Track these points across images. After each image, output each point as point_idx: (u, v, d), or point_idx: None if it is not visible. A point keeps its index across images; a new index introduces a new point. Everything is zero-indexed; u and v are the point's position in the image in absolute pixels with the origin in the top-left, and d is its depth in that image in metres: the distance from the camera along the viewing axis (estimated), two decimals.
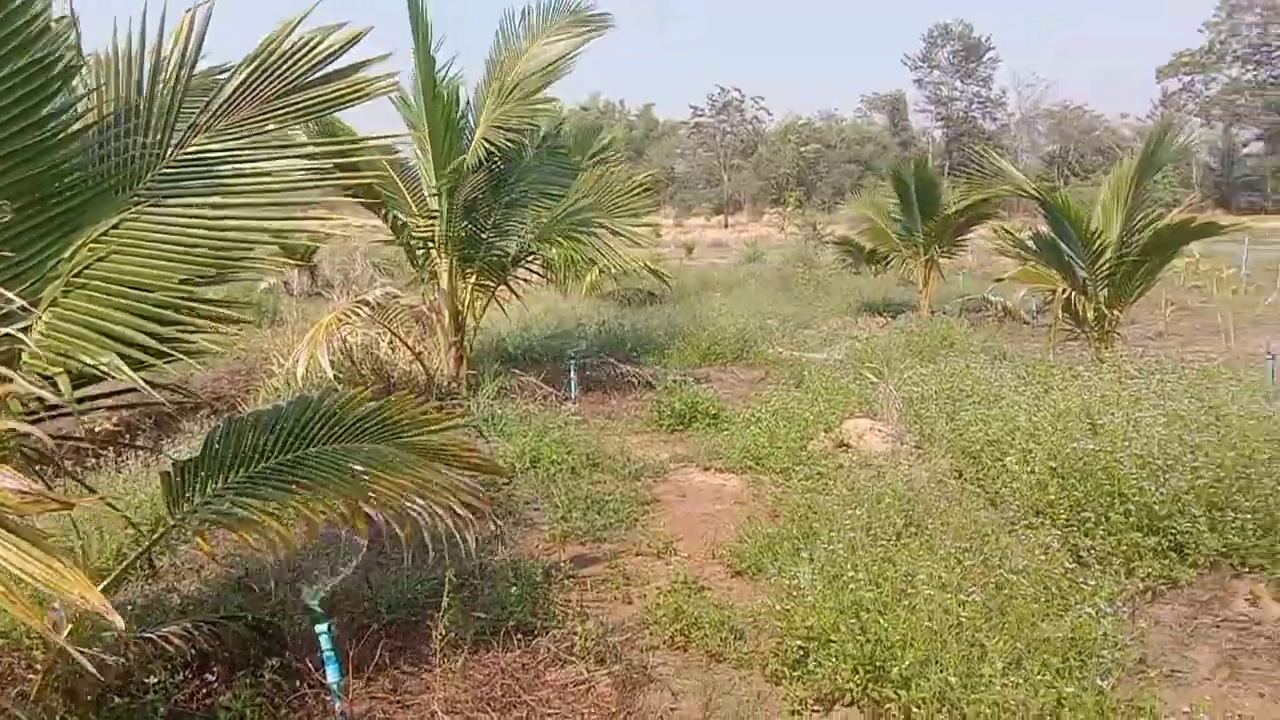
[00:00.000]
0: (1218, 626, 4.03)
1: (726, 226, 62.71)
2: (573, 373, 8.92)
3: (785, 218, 42.53)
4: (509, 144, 8.97)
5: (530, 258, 9.81)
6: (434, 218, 9.19)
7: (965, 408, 6.50)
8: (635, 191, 10.72)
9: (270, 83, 3.37)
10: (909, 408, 6.86)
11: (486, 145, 8.83)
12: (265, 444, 3.50)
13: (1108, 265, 7.62)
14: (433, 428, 3.74)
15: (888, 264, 17.16)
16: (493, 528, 4.94)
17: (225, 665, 3.65)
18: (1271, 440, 4.96)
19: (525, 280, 10.42)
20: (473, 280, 9.52)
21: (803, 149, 71.44)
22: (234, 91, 3.33)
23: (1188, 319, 13.62)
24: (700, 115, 79.03)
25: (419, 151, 9.48)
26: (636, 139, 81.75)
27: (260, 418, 3.63)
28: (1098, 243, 7.66)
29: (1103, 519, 4.54)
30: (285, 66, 3.37)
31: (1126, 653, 3.55)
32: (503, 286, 9.75)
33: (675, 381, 8.95)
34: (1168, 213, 9.68)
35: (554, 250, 9.59)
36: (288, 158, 3.53)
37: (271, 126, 3.40)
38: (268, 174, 3.38)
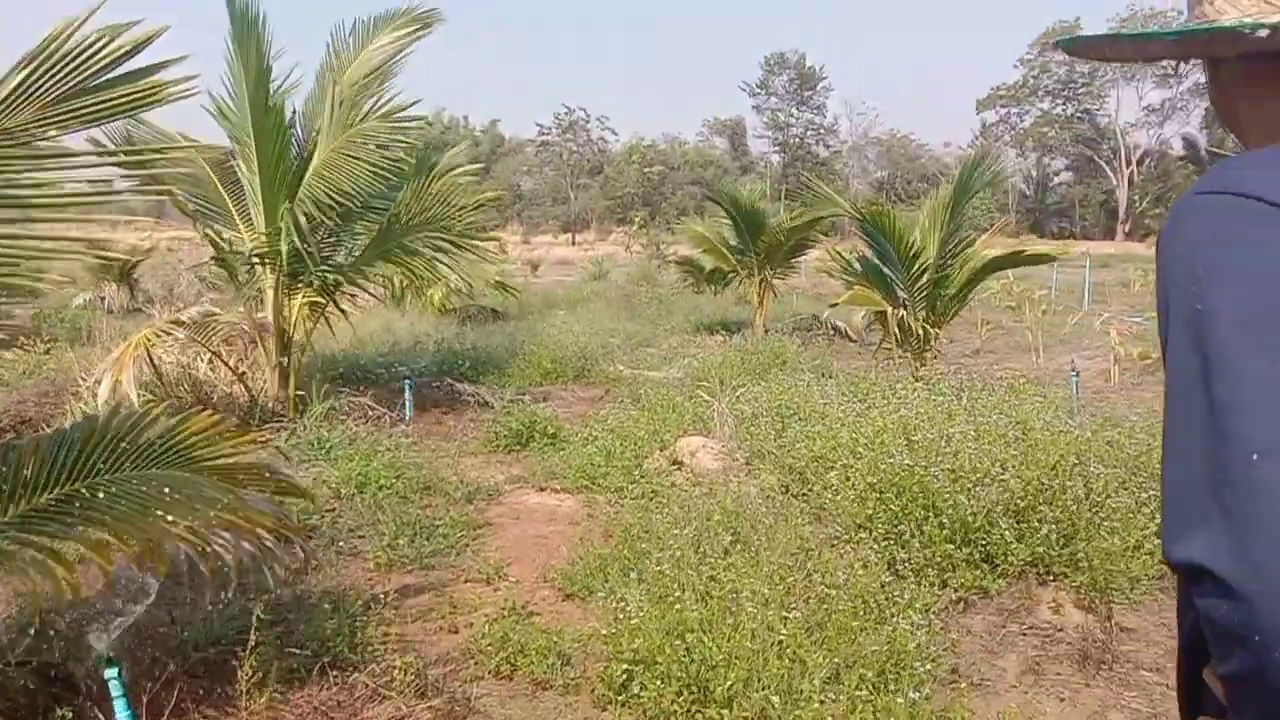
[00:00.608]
0: (1024, 634, 4.24)
1: (574, 244, 62.92)
2: (407, 393, 8.67)
3: (631, 237, 42.97)
4: (352, 158, 8.68)
5: (366, 274, 9.51)
6: (260, 232, 8.79)
7: (793, 424, 6.66)
8: (476, 207, 10.61)
9: (52, 85, 3.11)
10: (741, 425, 6.98)
11: (324, 177, 8.57)
12: (47, 473, 3.22)
13: (925, 286, 7.99)
14: (233, 450, 3.52)
15: (726, 283, 17.56)
16: (303, 556, 4.70)
17: (6, 718, 3.32)
18: (1073, 453, 5.27)
19: (353, 297, 10.08)
20: (301, 297, 9.15)
21: (647, 170, 72.54)
22: (9, 95, 3.06)
23: (1002, 337, 14.46)
24: (546, 134, 79.11)
25: (243, 164, 9.06)
26: (483, 155, 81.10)
27: (42, 443, 3.34)
28: (916, 265, 8.03)
29: (918, 532, 4.71)
30: (69, 68, 3.12)
31: (939, 663, 3.68)
32: (335, 303, 9.41)
33: (514, 401, 8.83)
34: (979, 235, 10.29)
35: (390, 267, 9.34)
36: (75, 167, 3.27)
37: (54, 132, 3.14)
38: (50, 184, 3.12)
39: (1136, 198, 63.27)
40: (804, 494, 5.61)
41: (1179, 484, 0.88)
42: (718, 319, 16.46)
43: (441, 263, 9.14)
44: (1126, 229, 61.90)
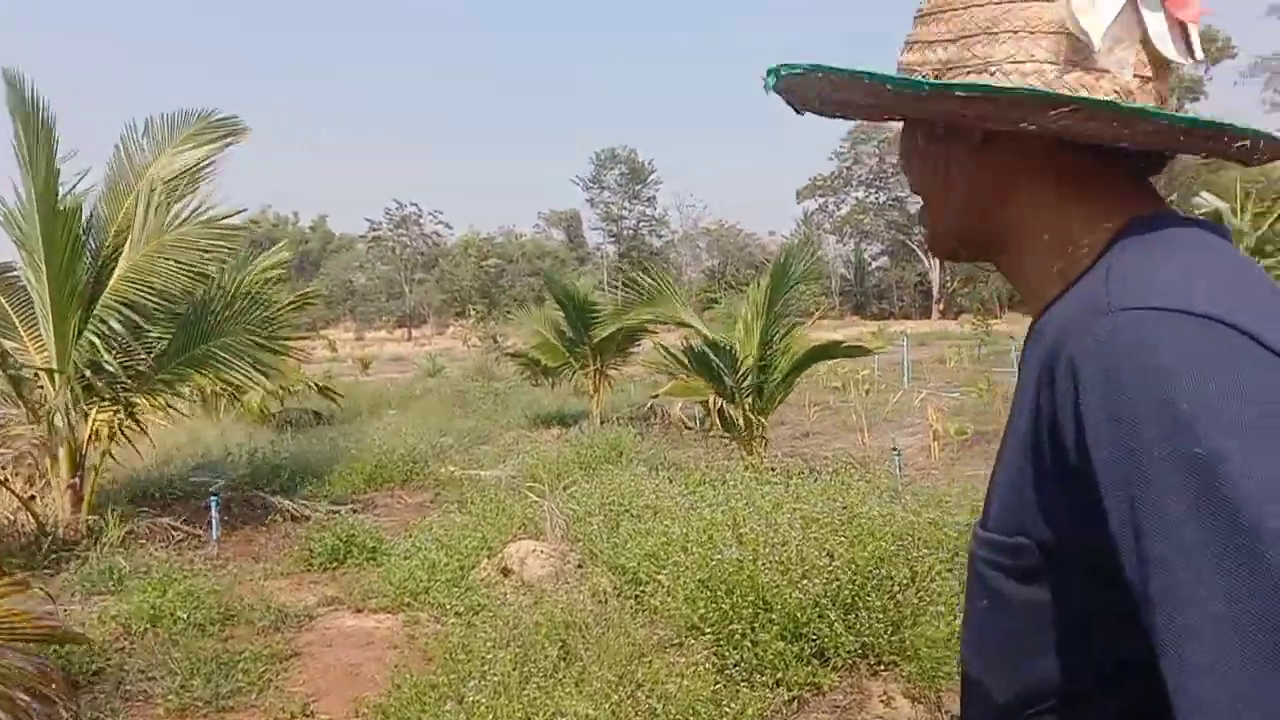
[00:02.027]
0: None
1: (409, 339, 61.83)
2: (214, 511, 8.03)
3: (469, 330, 42.59)
4: (165, 261, 8.16)
5: (172, 383, 8.87)
6: (50, 344, 8.11)
7: (625, 521, 6.49)
8: (296, 305, 10.16)
9: None
10: (573, 525, 6.76)
11: (132, 281, 8.04)
12: None
13: (750, 374, 8.07)
14: None
15: (561, 375, 17.45)
16: (73, 711, 4.14)
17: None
18: (898, 537, 5.29)
19: (166, 409, 9.37)
20: (96, 412, 8.43)
21: (484, 263, 72.52)
22: None
23: (830, 417, 14.85)
24: (377, 229, 78.20)
25: (30, 272, 8.38)
26: (313, 252, 79.27)
27: None
28: (739, 355, 8.12)
29: (750, 630, 4.57)
30: None
31: None
32: (134, 418, 8.71)
33: (332, 512, 8.32)
34: (806, 321, 10.58)
35: (199, 376, 8.76)
36: None
37: None
38: None
39: (948, 279, 67.51)
40: (637, 595, 5.41)
41: (1230, 696, 0.62)
42: (555, 412, 16.28)
43: (252, 367, 8.62)
44: (940, 308, 65.78)
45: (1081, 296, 0.81)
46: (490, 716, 3.63)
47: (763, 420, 8.21)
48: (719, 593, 4.83)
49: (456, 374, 25.26)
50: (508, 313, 60.53)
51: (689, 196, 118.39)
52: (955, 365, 22.68)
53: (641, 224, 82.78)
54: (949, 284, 67.22)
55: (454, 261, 74.41)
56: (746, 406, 7.92)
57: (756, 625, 4.58)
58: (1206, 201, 26.91)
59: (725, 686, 4.15)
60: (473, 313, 51.47)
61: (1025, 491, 0.82)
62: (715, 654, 4.43)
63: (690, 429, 14.06)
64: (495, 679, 3.98)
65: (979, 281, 61.93)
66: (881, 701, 4.34)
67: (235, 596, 6.13)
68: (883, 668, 4.62)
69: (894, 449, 8.84)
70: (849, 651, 4.54)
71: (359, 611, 6.18)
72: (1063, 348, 0.77)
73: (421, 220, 78.33)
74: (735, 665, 4.34)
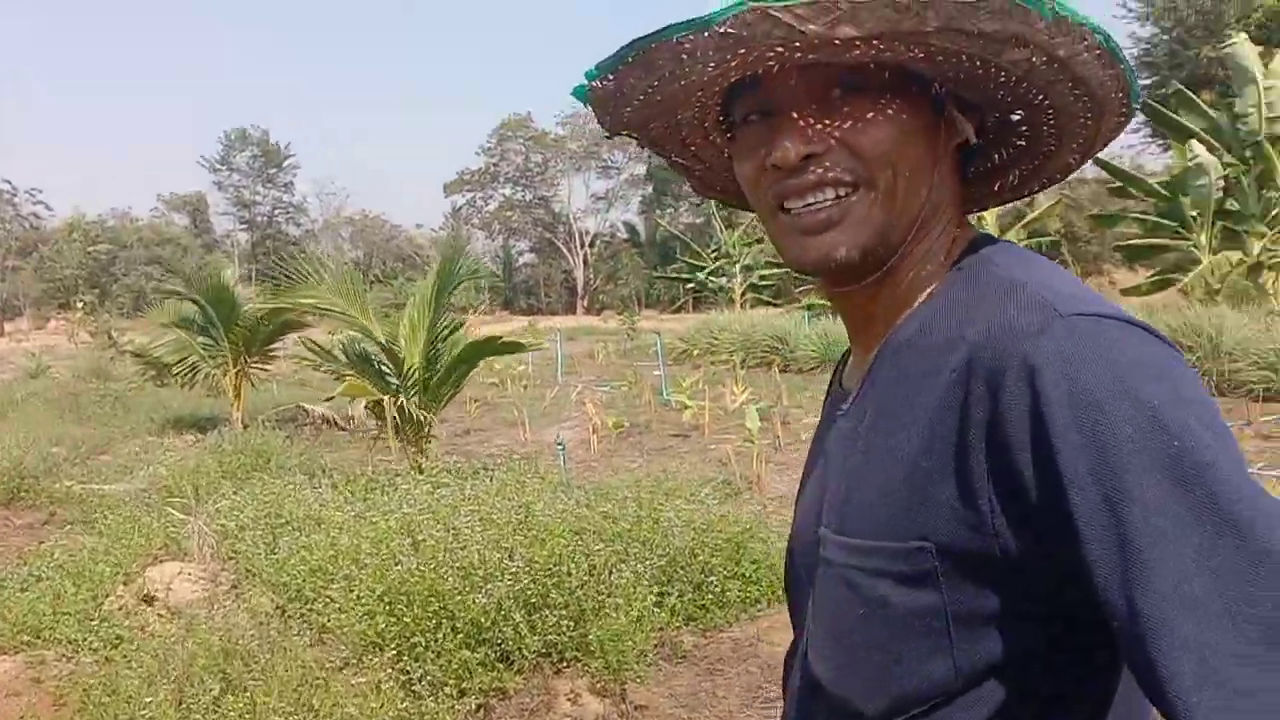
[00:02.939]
0: None
1: (3, 335, 53.70)
2: None
3: (76, 325, 37.75)
4: None
5: None
6: None
7: (285, 534, 6.03)
8: None
9: None
10: (224, 542, 6.18)
11: None
12: None
13: (416, 373, 7.84)
14: None
15: (194, 376, 15.94)
16: None
17: None
18: (575, 533, 5.36)
19: None
20: None
21: (92, 249, 64.67)
22: None
23: (490, 414, 14.84)
24: None
25: None
26: None
27: None
28: (406, 353, 7.87)
29: (433, 641, 4.42)
30: None
31: None
32: None
33: None
34: (464, 317, 10.47)
35: None
36: None
37: None
38: None
39: (592, 276, 70.20)
40: (305, 613, 5.05)
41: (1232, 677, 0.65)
42: (188, 415, 14.86)
43: None
44: (585, 304, 68.26)
45: (993, 305, 0.81)
46: None
47: (430, 418, 8.01)
48: (399, 605, 4.63)
49: (66, 375, 22.28)
50: (123, 305, 54.54)
51: (330, 184, 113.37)
52: (604, 360, 23.59)
53: (278, 210, 78.00)
54: (592, 280, 69.92)
55: (56, 247, 65.61)
56: (414, 405, 7.68)
57: (440, 635, 4.43)
58: None
59: (411, 703, 3.97)
60: (80, 305, 45.69)
61: (935, 495, 0.81)
62: (399, 670, 4.24)
63: (345, 430, 13.45)
64: None
65: (618, 280, 65.17)
66: (568, 699, 4.37)
67: None
68: (566, 665, 4.65)
69: (559, 443, 8.99)
70: (533, 652, 4.53)
71: None
72: (1007, 353, 0.77)
73: (16, 199, 68.37)
74: (420, 679, 4.18)
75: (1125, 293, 20.19)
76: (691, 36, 0.77)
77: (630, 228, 70.07)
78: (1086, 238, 32.89)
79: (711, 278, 38.70)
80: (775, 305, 32.67)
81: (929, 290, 0.90)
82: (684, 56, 0.79)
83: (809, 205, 0.87)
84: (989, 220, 18.75)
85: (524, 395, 14.65)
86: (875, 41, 0.76)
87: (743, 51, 0.77)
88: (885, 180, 0.86)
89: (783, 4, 0.72)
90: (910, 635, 0.83)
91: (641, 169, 67.17)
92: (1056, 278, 0.83)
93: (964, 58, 0.79)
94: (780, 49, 0.77)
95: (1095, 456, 0.71)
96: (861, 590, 0.86)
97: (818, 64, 0.81)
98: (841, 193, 0.86)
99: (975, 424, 0.78)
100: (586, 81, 0.86)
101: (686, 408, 11.57)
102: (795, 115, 0.85)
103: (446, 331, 8.30)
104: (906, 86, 0.84)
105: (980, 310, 0.82)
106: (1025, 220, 26.29)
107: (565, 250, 72.88)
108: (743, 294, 36.63)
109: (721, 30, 0.75)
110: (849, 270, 0.89)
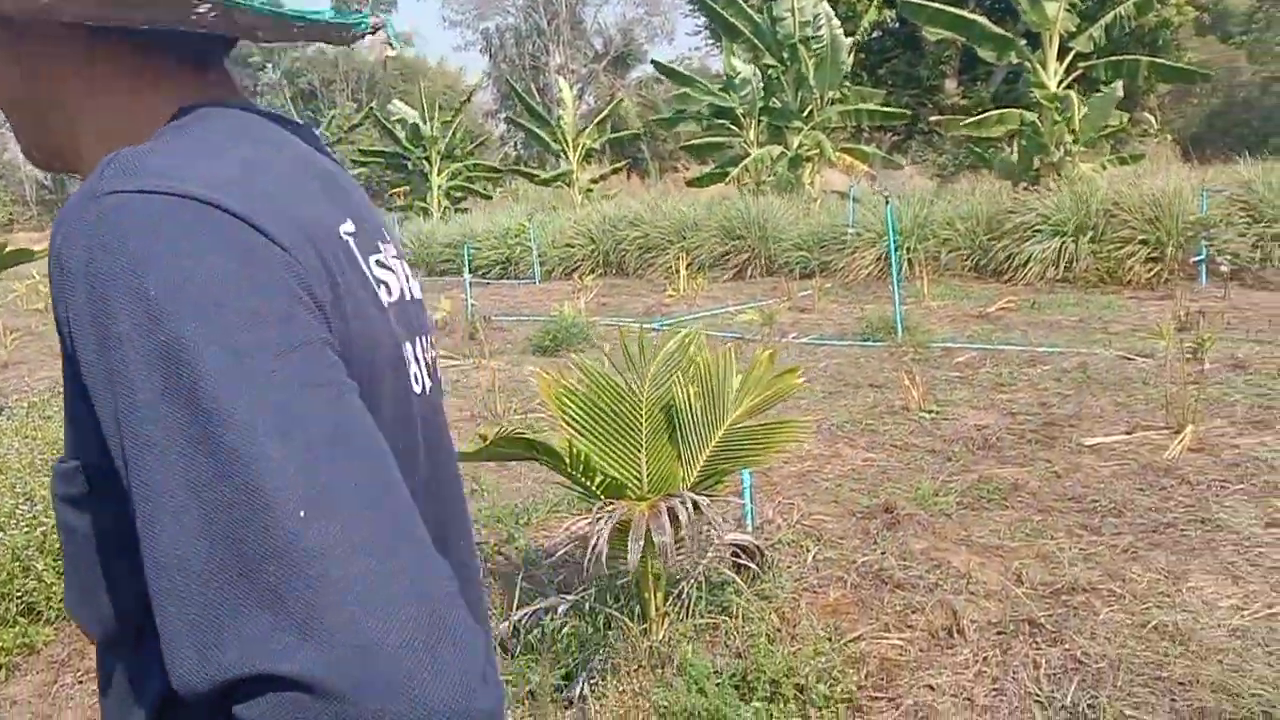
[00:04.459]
0: (80, 682, 3.86)
1: None
2: None
3: None
4: None
5: None
6: None
7: None
8: None
9: None
10: None
11: None
12: None
13: None
14: None
15: None
16: None
17: None
18: None
19: None
20: None
21: None
22: None
23: (34, 343, 13.09)
24: None
25: None
26: None
27: None
28: None
29: None
30: None
31: None
32: None
33: None
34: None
35: None
36: None
37: None
38: None
39: None
40: None
41: (193, 575, 0.62)
42: None
43: None
44: None
45: (84, 186, 0.73)
46: None
47: None
48: None
49: None
50: None
51: None
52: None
53: None
54: None
55: None
56: None
57: None
58: (398, 109, 29.39)
59: None
60: None
61: (72, 409, 0.76)
62: None
63: None
64: None
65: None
66: None
67: None
68: None
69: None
70: (62, 601, 4.17)
71: None
72: (55, 240, 0.71)
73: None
74: None
75: (690, 184, 21.85)
76: None
77: None
78: (663, 137, 34.96)
79: None
80: None
81: None
82: None
83: None
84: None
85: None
86: None
87: None
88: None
89: None
90: (96, 562, 0.79)
91: None
92: (162, 152, 0.76)
93: None
94: None
95: (104, 361, 0.66)
96: (58, 516, 0.82)
97: None
98: None
99: (62, 325, 0.72)
100: None
101: None
102: None
103: None
104: None
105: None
106: (599, 117, 27.31)
107: None
108: None
109: None
110: (48, 170, 0.94)
